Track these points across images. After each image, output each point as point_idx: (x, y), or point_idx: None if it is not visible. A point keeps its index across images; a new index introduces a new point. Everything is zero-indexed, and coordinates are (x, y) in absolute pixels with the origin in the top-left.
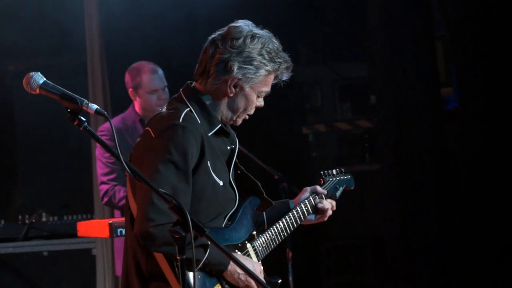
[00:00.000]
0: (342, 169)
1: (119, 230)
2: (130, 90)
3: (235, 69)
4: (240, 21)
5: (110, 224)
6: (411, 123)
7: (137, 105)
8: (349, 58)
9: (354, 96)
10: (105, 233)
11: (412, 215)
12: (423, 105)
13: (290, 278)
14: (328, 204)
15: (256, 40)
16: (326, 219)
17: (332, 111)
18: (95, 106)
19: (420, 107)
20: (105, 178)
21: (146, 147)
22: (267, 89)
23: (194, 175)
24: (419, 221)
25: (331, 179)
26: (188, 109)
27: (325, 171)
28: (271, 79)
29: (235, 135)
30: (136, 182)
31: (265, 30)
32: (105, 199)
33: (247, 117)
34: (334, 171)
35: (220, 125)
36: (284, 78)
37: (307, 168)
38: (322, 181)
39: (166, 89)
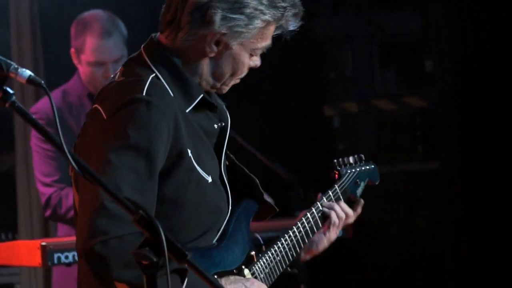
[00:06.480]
0: (361, 155)
1: (56, 255)
2: (72, 50)
3: (218, 20)
4: None
5: (42, 247)
6: (485, 100)
7: (82, 75)
8: (394, 5)
9: (401, 60)
10: (35, 260)
11: (482, 231)
12: (503, 75)
13: None
14: (342, 214)
15: None
16: (336, 233)
17: (369, 82)
18: (27, 73)
19: (498, 77)
20: (46, 179)
21: (95, 133)
22: (265, 43)
23: (168, 173)
24: (490, 238)
25: (349, 171)
26: (154, 75)
27: (339, 160)
28: (270, 31)
29: (224, 108)
30: (80, 181)
31: None
32: (48, 211)
33: (238, 80)
34: (351, 159)
35: (201, 95)
36: (291, 28)
37: (331, 167)
38: (337, 174)
39: (123, 61)
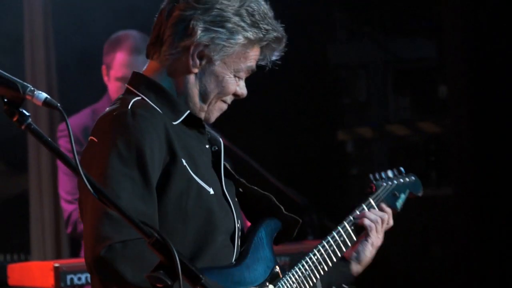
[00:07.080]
0: (401, 168)
1: (69, 277)
2: (103, 67)
3: (199, 31)
4: None
5: (55, 268)
6: (498, 127)
7: (110, 92)
8: (409, 32)
9: (415, 86)
10: (48, 282)
11: (496, 257)
12: None
13: None
14: (375, 217)
15: None
16: (372, 239)
17: (383, 108)
18: (44, 95)
19: None
20: (68, 197)
21: (91, 155)
22: (249, 64)
23: (167, 182)
24: (505, 264)
25: (385, 184)
26: (139, 97)
27: (376, 174)
28: (254, 53)
29: (217, 135)
30: (82, 196)
31: None
32: (70, 228)
33: (224, 106)
34: (389, 173)
35: (188, 111)
36: (274, 57)
37: (345, 192)
38: (374, 187)
39: None
